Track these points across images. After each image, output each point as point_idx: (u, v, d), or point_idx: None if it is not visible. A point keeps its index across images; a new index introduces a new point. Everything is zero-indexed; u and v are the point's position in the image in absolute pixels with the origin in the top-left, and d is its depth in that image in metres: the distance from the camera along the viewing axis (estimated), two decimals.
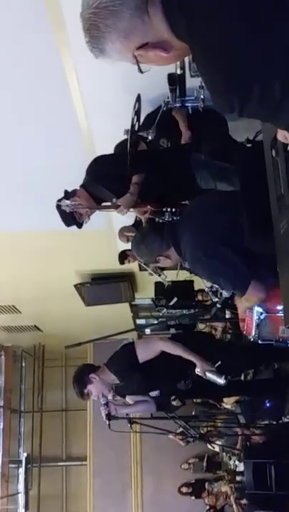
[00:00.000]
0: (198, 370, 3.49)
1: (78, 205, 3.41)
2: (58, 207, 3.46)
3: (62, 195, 4.27)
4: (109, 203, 3.58)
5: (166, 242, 2.76)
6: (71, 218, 3.54)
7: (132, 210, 3.56)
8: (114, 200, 3.51)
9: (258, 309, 2.86)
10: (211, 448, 7.84)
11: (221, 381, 3.39)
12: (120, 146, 3.67)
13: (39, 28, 3.54)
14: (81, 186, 3.59)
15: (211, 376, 3.42)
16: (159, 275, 4.48)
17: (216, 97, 1.32)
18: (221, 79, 1.29)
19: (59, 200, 3.49)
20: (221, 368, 3.46)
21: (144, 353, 3.73)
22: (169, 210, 3.67)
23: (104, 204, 3.63)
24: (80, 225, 3.61)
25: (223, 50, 1.26)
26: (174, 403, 4.23)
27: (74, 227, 3.65)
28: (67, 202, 3.39)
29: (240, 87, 1.25)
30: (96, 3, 1.29)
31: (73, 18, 3.38)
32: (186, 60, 3.24)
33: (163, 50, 1.36)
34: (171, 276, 5.83)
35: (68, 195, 3.53)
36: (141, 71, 1.41)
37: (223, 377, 3.37)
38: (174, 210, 3.57)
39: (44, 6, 3.38)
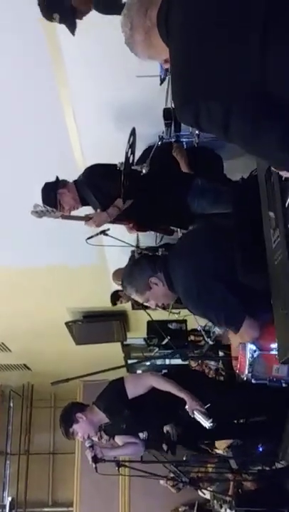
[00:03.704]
0: (187, 408, 3.39)
1: (51, 213, 3.43)
2: (36, 206, 3.45)
3: (55, 229, 4.26)
4: (82, 215, 3.63)
5: (160, 269, 2.72)
6: (50, 198, 3.55)
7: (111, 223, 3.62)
8: (98, 210, 3.55)
9: (251, 347, 2.79)
10: (202, 495, 7.58)
11: (207, 424, 3.27)
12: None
13: (40, 70, 3.62)
14: (74, 182, 3.63)
15: (199, 416, 3.31)
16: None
17: (175, 109, 1.46)
18: (177, 92, 1.43)
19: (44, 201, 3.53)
20: (210, 410, 3.35)
21: (134, 388, 3.62)
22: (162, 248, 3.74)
23: (76, 215, 3.66)
24: (56, 207, 3.60)
25: (179, 66, 1.40)
26: (164, 447, 4.09)
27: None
28: (43, 209, 3.39)
29: (190, 101, 1.35)
30: (124, 39, 1.59)
31: (71, 59, 3.45)
32: None
33: None
34: (163, 315, 5.77)
35: (59, 183, 3.61)
36: (163, 80, 1.78)
37: (211, 420, 3.26)
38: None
39: (45, 48, 3.46)
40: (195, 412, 3.33)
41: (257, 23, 1.24)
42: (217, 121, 1.29)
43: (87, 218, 3.54)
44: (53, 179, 3.65)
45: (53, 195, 3.53)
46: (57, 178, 3.63)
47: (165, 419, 3.77)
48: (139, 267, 2.83)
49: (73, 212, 3.69)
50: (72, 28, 2.85)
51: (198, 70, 1.33)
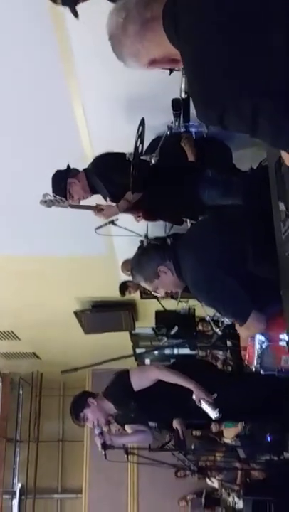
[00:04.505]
0: (194, 397, 3.39)
1: (60, 203, 3.46)
2: (44, 196, 3.50)
3: (64, 219, 4.26)
4: (92, 204, 3.64)
5: (168, 257, 2.71)
6: (61, 187, 3.55)
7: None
8: (107, 199, 3.56)
9: (260, 338, 2.79)
10: (210, 483, 7.64)
11: (213, 414, 3.27)
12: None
13: (47, 59, 3.59)
14: (84, 170, 3.63)
15: (205, 406, 3.32)
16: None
17: (197, 110, 1.36)
18: (198, 93, 1.34)
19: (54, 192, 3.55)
20: (217, 401, 3.36)
21: (139, 381, 3.62)
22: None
23: (85, 204, 3.67)
24: (65, 197, 3.61)
25: (199, 65, 1.32)
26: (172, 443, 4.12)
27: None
28: (52, 198, 3.41)
29: (215, 102, 1.28)
30: (109, 31, 1.47)
31: (80, 50, 3.40)
32: None
33: (171, 63, 1.46)
34: (172, 305, 5.79)
35: (69, 172, 3.60)
36: (172, 70, 1.64)
37: (217, 410, 3.26)
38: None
39: (54, 38, 3.43)
40: (202, 402, 3.33)
41: (281, 19, 1.20)
42: (245, 119, 1.25)
43: (96, 209, 3.53)
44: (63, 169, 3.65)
45: (63, 184, 3.53)
46: (68, 166, 3.62)
47: (173, 410, 3.78)
48: (147, 256, 2.82)
49: (82, 202, 3.69)
50: (73, 12, 2.81)
51: (223, 69, 1.26)
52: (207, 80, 1.30)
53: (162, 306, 5.60)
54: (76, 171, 3.62)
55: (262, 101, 1.22)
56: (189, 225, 3.99)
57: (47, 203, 3.47)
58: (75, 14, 2.76)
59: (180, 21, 1.35)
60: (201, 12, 1.32)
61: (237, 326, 3.00)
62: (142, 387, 3.61)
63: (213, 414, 3.28)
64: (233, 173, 3.74)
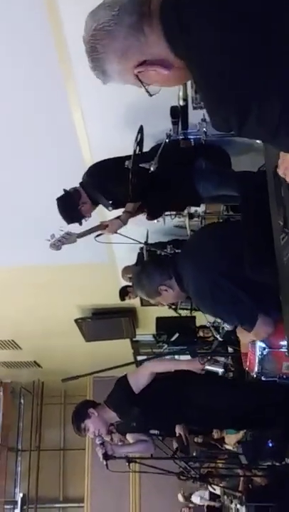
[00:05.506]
0: (196, 371, 3.45)
1: (69, 239, 3.46)
2: (52, 237, 3.49)
3: (64, 228, 4.27)
4: (96, 224, 3.63)
5: (168, 273, 2.71)
6: (75, 217, 3.52)
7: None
8: (109, 208, 3.56)
9: (260, 344, 2.79)
10: (212, 490, 7.59)
11: (220, 369, 3.38)
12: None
13: (46, 66, 3.60)
14: (80, 184, 3.59)
15: (211, 368, 3.39)
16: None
17: (213, 116, 1.29)
18: (217, 99, 1.25)
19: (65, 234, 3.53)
20: (219, 409, 3.40)
21: (136, 381, 3.63)
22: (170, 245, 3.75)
23: (90, 228, 3.65)
24: (81, 223, 3.60)
25: (220, 70, 1.21)
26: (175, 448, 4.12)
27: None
28: (60, 238, 3.44)
29: (237, 108, 1.20)
30: (94, 26, 1.29)
31: (79, 55, 3.41)
32: (189, 92, 3.26)
33: (162, 67, 1.32)
34: (171, 312, 5.79)
35: (74, 197, 3.53)
36: (149, 93, 1.39)
37: (222, 361, 3.35)
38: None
39: (52, 43, 3.43)
40: (206, 367, 3.38)
41: None
42: (269, 122, 1.17)
43: (102, 227, 3.55)
44: (63, 178, 3.64)
45: (75, 213, 3.51)
46: (65, 190, 3.59)
47: (175, 415, 3.77)
48: (146, 274, 2.83)
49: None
50: None
51: (245, 74, 1.17)
52: (230, 86, 1.19)
53: (179, 314, 5.69)
54: (78, 192, 3.58)
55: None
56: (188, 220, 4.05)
57: (56, 245, 3.48)
58: None
59: (186, 14, 1.23)
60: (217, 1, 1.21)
61: (238, 331, 3.01)
62: (141, 387, 3.60)
63: (220, 370, 3.39)
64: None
